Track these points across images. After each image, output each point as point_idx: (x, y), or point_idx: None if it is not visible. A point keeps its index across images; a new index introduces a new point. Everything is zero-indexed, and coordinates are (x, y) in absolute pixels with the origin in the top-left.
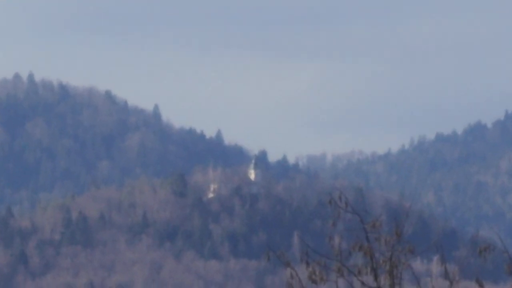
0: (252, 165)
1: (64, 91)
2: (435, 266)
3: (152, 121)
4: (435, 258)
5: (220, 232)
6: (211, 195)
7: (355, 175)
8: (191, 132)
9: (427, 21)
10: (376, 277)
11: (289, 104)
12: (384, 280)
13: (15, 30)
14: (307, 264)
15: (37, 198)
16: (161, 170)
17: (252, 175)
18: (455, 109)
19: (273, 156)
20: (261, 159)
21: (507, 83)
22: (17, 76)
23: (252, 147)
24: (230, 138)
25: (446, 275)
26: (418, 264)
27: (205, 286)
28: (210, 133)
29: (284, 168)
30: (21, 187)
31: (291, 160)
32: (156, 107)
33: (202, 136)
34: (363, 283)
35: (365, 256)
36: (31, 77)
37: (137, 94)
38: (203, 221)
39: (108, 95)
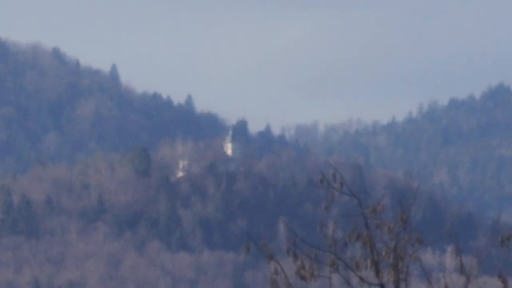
0: (229, 138)
1: (3, 49)
2: (449, 259)
3: (109, 85)
4: (449, 249)
5: (191, 218)
6: (180, 174)
7: (352, 149)
8: (155, 97)
9: None
10: (377, 272)
11: (273, 64)
12: (387, 275)
13: None
14: (295, 256)
15: None
16: (120, 144)
17: (229, 149)
18: (473, 69)
19: (255, 127)
20: (239, 131)
21: None
22: None
23: (229, 115)
24: (202, 105)
25: (462, 269)
26: (428, 256)
27: (173, 283)
28: (178, 99)
29: (267, 141)
30: None
31: (276, 131)
32: (113, 67)
33: (169, 102)
34: (362, 279)
35: (364, 247)
36: None
37: (90, 52)
38: (171, 206)
39: (56, 54)
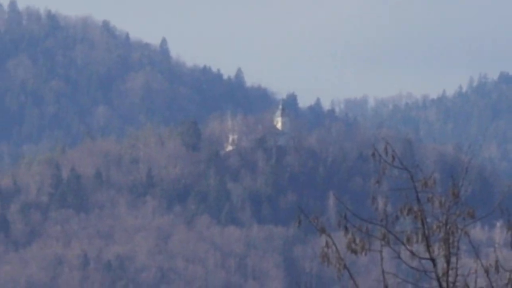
0: (279, 112)
1: (53, 22)
2: (499, 234)
3: (158, 58)
4: (498, 223)
5: (241, 193)
6: (229, 148)
7: (402, 123)
8: (205, 71)
9: None
10: (428, 246)
11: (322, 38)
12: (438, 249)
13: None
14: (346, 230)
15: (20, 152)
16: (169, 117)
17: (279, 123)
18: None
19: (304, 101)
20: (289, 104)
21: None
22: None
23: (279, 89)
24: (252, 79)
25: None
26: (478, 231)
27: (223, 257)
28: (228, 72)
29: (317, 115)
30: (0, 139)
31: (326, 105)
32: (163, 41)
33: (218, 76)
34: (412, 253)
35: (415, 221)
36: (13, 4)
37: (140, 26)
38: (220, 180)
39: (106, 27)
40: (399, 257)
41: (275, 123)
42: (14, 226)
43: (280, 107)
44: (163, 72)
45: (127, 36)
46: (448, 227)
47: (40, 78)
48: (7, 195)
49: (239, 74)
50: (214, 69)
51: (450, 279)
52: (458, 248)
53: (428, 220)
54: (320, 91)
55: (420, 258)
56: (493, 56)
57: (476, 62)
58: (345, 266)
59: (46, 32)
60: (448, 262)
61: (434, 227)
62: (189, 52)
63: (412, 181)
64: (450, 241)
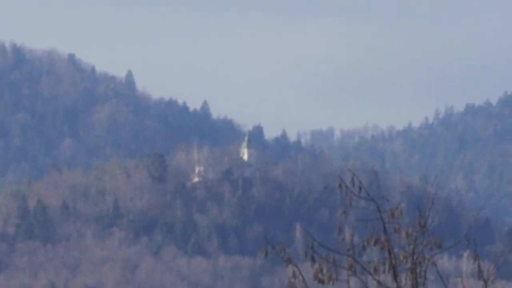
0: (245, 143)
1: (18, 55)
2: (466, 264)
3: (124, 91)
4: (466, 254)
5: (207, 224)
6: (196, 179)
7: (368, 155)
8: (171, 103)
9: None
10: (395, 276)
11: (288, 70)
12: (405, 279)
13: None
14: (313, 260)
15: None
16: (135, 149)
17: (245, 155)
18: (489, 75)
19: (270, 133)
20: (256, 136)
21: None
22: None
23: (245, 121)
24: (218, 111)
25: (480, 274)
26: (445, 261)
27: (190, 287)
28: (194, 105)
29: (283, 147)
30: None
31: (292, 137)
32: (129, 73)
33: (184, 108)
34: (380, 283)
35: (383, 251)
36: None
37: (106, 59)
38: (187, 211)
39: (72, 60)
40: (366, 287)
41: (241, 154)
42: None
43: (246, 138)
44: (129, 105)
45: (93, 69)
46: (415, 257)
47: (5, 111)
48: None
49: (205, 106)
50: (180, 102)
51: None
52: (425, 278)
53: (395, 250)
54: (286, 123)
55: None
56: (459, 89)
57: (442, 94)
58: None
59: (11, 65)
60: None
61: (401, 257)
62: (155, 84)
63: (379, 211)
64: (417, 271)
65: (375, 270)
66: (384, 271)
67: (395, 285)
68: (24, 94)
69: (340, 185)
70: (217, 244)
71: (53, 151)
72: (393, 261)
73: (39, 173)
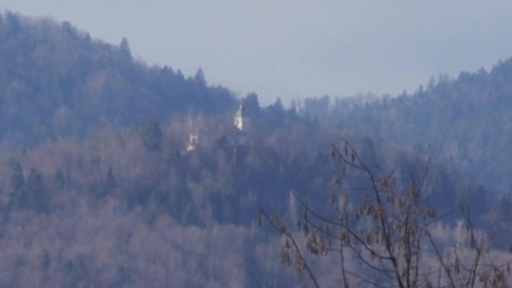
0: (239, 112)
1: (13, 23)
2: (460, 233)
3: (119, 59)
4: (460, 223)
5: (201, 192)
6: (190, 148)
7: (363, 123)
8: (166, 71)
9: None
10: (388, 246)
11: (282, 36)
12: (398, 249)
13: None
14: (306, 229)
15: None
16: (130, 117)
17: (239, 123)
18: (484, 43)
19: (265, 101)
20: (250, 104)
21: None
22: None
23: (240, 89)
24: (212, 79)
25: (472, 243)
26: (439, 230)
27: (183, 256)
28: (189, 73)
29: (278, 115)
30: None
31: (286, 105)
32: (124, 41)
33: (179, 76)
34: (372, 253)
35: (376, 220)
36: None
37: (101, 26)
38: (181, 180)
39: (67, 28)
40: (359, 256)
41: (235, 123)
42: None
43: (241, 107)
44: (124, 73)
45: (87, 37)
46: (408, 226)
47: (0, 79)
48: None
49: (199, 74)
50: (174, 70)
51: (411, 278)
52: (418, 247)
53: (389, 219)
54: (280, 91)
55: (381, 257)
56: (454, 56)
57: (437, 62)
58: (305, 266)
59: (6, 33)
60: (408, 261)
61: (395, 226)
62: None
63: (372, 180)
64: (411, 240)
65: (369, 239)
66: (377, 241)
67: (388, 254)
68: (19, 62)
69: (333, 154)
70: (211, 213)
71: (48, 119)
72: (386, 231)
73: (34, 141)
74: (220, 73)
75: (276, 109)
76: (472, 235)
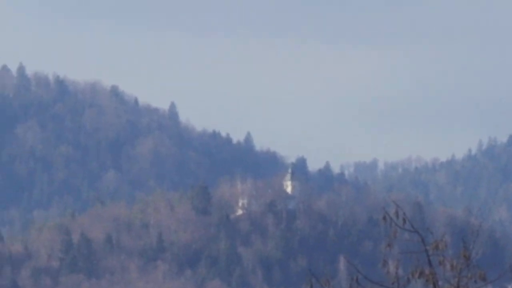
0: (288, 176)
1: (61, 87)
2: None
3: (167, 123)
4: (510, 286)
5: (251, 256)
6: (239, 212)
7: (412, 186)
8: (215, 135)
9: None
10: None
11: (332, 102)
12: None
13: (3, 15)
14: None
15: (30, 218)
16: (179, 182)
17: (288, 187)
18: None
19: (314, 164)
20: (299, 168)
21: None
22: (5, 69)
23: (289, 153)
24: (261, 143)
25: None
26: None
27: None
28: (237, 137)
29: (327, 179)
30: (11, 205)
31: (336, 169)
32: (172, 105)
33: (228, 140)
34: None
35: (427, 284)
36: (21, 70)
37: (149, 91)
38: (231, 244)
39: (115, 92)
40: None
41: (285, 187)
42: None
43: (290, 170)
44: (172, 137)
45: (136, 101)
46: None
47: (49, 143)
48: (18, 260)
49: (248, 138)
50: (223, 134)
51: None
52: None
53: (440, 283)
54: (329, 155)
55: None
56: (502, 119)
57: (485, 125)
58: None
59: (54, 97)
60: None
61: None
62: (198, 116)
63: (423, 244)
64: None
65: None
66: None
67: None
68: (67, 126)
69: (384, 217)
70: (261, 277)
71: (96, 184)
72: None
73: (83, 206)
74: (268, 136)
75: (325, 173)
76: None
